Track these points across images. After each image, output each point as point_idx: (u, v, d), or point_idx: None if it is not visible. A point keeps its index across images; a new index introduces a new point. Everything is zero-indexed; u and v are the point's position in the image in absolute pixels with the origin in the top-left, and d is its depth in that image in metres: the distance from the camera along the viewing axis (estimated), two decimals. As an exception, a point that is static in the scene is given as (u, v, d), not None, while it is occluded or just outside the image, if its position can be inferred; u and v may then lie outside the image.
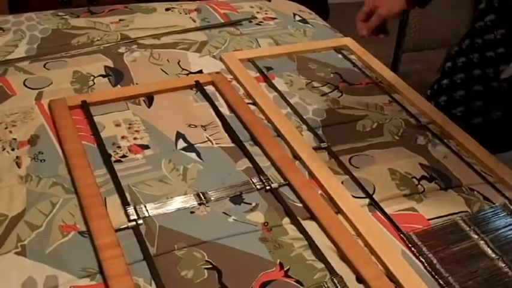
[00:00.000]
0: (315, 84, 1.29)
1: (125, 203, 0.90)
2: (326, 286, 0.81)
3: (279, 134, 1.10)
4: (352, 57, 1.42)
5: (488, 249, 0.90)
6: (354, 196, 0.97)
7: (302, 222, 0.91)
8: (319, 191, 0.98)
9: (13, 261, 0.80)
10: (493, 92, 1.28)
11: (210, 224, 0.89)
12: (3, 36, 1.33)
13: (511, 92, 1.25)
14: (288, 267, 0.83)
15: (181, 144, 1.05)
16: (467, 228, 0.93)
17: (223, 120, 1.12)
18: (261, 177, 0.99)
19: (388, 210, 0.95)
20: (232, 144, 1.07)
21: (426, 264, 0.86)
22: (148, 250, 0.83)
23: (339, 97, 1.25)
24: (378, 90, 1.29)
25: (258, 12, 1.59)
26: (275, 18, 1.57)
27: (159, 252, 0.83)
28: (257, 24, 1.52)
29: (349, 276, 0.83)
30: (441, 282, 0.84)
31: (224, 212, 0.92)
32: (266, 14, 1.58)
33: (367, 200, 0.97)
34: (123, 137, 1.05)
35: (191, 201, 0.93)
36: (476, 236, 0.92)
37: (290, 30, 1.51)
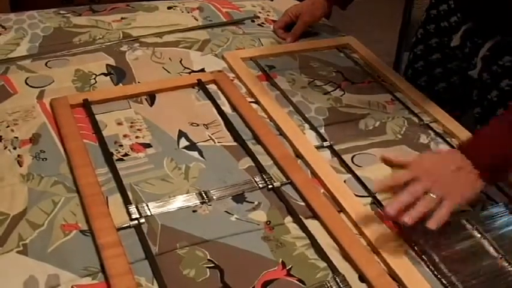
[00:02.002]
0: (317, 82, 1.29)
1: (126, 202, 0.90)
2: (328, 285, 0.81)
3: (281, 133, 1.10)
4: (354, 55, 1.42)
5: (491, 248, 0.90)
6: (356, 195, 0.97)
7: (304, 221, 0.91)
8: (322, 190, 0.98)
9: (15, 260, 0.80)
10: (450, 59, 1.35)
11: (212, 223, 0.89)
12: (4, 35, 1.33)
13: (463, 58, 1.30)
14: (290, 266, 0.83)
15: (184, 142, 1.05)
16: (470, 227, 0.93)
17: (226, 119, 1.12)
18: (263, 176, 0.98)
19: (390, 209, 0.95)
20: (235, 143, 1.06)
21: (429, 263, 0.86)
22: (150, 249, 0.82)
23: (341, 96, 1.25)
24: (380, 88, 1.29)
25: (260, 12, 1.58)
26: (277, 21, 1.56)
27: (161, 251, 0.83)
28: (259, 25, 1.52)
29: (351, 275, 0.83)
30: (444, 281, 0.83)
31: (226, 211, 0.91)
32: (268, 15, 1.58)
33: (369, 199, 0.97)
34: (125, 136, 1.05)
35: (193, 200, 0.92)
36: (479, 235, 0.92)
37: (292, 28, 1.51)
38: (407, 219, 0.84)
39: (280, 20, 1.49)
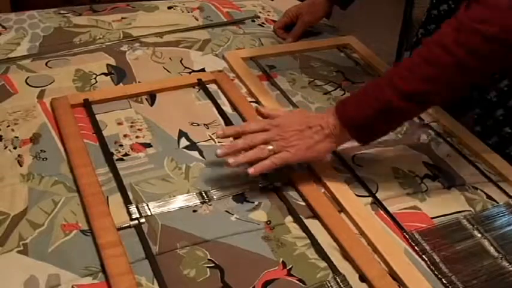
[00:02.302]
0: (318, 82, 1.29)
1: (127, 202, 0.90)
2: (329, 285, 0.81)
3: (282, 133, 1.10)
4: (355, 55, 1.42)
5: (492, 248, 0.90)
6: (357, 195, 0.97)
7: (305, 220, 0.91)
8: (322, 190, 0.98)
9: (15, 260, 0.80)
10: None
11: (212, 223, 0.89)
12: (5, 34, 1.33)
13: None
14: (290, 266, 0.83)
15: (184, 142, 1.05)
16: (471, 227, 0.93)
17: (226, 119, 1.12)
18: (264, 175, 0.98)
19: (391, 209, 0.95)
20: (235, 143, 1.06)
21: (429, 263, 0.86)
22: (150, 249, 0.82)
23: (341, 95, 1.25)
24: (380, 88, 1.29)
25: (260, 12, 1.58)
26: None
27: (161, 251, 0.83)
28: (259, 25, 1.52)
29: (352, 275, 0.83)
30: (444, 281, 0.83)
31: (227, 211, 0.91)
32: (268, 15, 1.58)
33: (370, 199, 0.97)
34: (125, 136, 1.04)
35: (194, 200, 0.92)
36: (479, 235, 0.92)
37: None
38: (232, 160, 0.91)
39: (280, 20, 1.49)
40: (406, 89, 0.88)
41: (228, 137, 0.99)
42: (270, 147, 0.93)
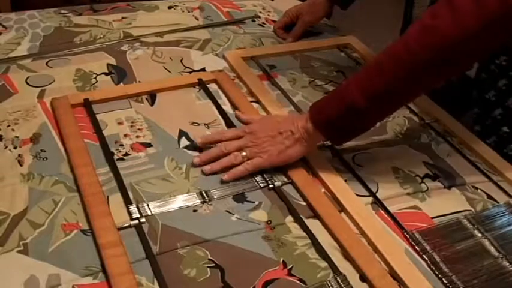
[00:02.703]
0: (318, 82, 1.29)
1: (127, 202, 0.90)
2: (329, 285, 0.81)
3: (282, 132, 1.10)
4: (355, 55, 1.42)
5: (492, 247, 0.90)
6: (357, 194, 0.97)
7: (305, 220, 0.91)
8: (323, 189, 0.98)
9: (15, 260, 0.80)
10: None
11: (213, 223, 0.89)
12: (5, 34, 1.33)
13: None
14: (291, 266, 0.83)
15: (184, 142, 1.05)
16: (471, 227, 0.93)
17: (226, 119, 1.12)
18: (264, 175, 0.98)
19: (391, 209, 0.95)
20: (235, 143, 1.06)
21: (430, 263, 0.86)
22: (151, 248, 0.82)
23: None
24: (381, 88, 1.29)
25: (260, 12, 1.58)
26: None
27: (161, 251, 0.83)
28: (260, 25, 1.52)
29: (352, 275, 0.83)
30: (445, 281, 0.83)
31: (227, 211, 0.91)
32: (269, 15, 1.58)
33: (370, 199, 0.97)
34: (125, 135, 1.04)
35: (194, 200, 0.92)
36: (480, 235, 0.92)
37: (293, 28, 1.51)
38: (207, 168, 0.97)
39: (280, 20, 1.49)
40: (367, 88, 0.90)
41: (208, 144, 1.02)
42: (244, 153, 0.98)
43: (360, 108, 0.90)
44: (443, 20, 0.84)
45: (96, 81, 1.19)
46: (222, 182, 0.95)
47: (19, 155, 0.97)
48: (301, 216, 0.92)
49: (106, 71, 1.23)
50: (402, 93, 0.92)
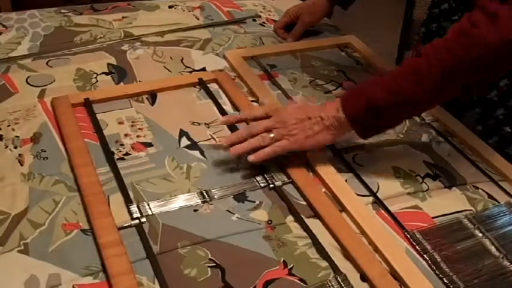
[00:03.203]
0: (319, 81, 1.29)
1: (128, 201, 0.90)
2: (330, 284, 0.81)
3: (283, 132, 1.10)
4: (356, 54, 1.42)
5: (493, 247, 0.90)
6: (358, 194, 0.97)
7: (306, 220, 0.91)
8: (323, 189, 0.97)
9: (16, 260, 0.80)
10: None
11: (213, 222, 0.89)
12: (5, 34, 1.33)
13: None
14: (291, 266, 0.83)
15: (185, 142, 1.05)
16: (472, 227, 0.93)
17: (227, 118, 1.11)
18: (265, 175, 0.98)
19: (392, 208, 0.95)
20: (236, 142, 1.06)
21: (430, 263, 0.86)
22: (151, 248, 0.82)
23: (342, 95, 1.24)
24: (381, 87, 1.29)
25: (261, 12, 1.58)
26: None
27: (162, 251, 0.83)
28: (260, 24, 1.52)
29: (353, 275, 0.83)
30: (445, 280, 0.83)
31: (228, 210, 0.91)
32: (269, 14, 1.58)
33: (371, 198, 0.97)
34: (126, 135, 1.04)
35: (194, 199, 0.92)
36: (480, 234, 0.92)
37: (293, 27, 1.51)
38: (234, 149, 0.96)
39: (280, 20, 1.49)
40: (393, 88, 0.90)
41: (231, 123, 1.04)
42: (272, 135, 0.96)
43: (387, 107, 0.91)
44: (483, 27, 0.84)
45: (97, 81, 1.19)
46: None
47: (19, 155, 0.97)
48: (302, 216, 0.92)
49: (106, 70, 1.23)
50: (438, 95, 0.92)
